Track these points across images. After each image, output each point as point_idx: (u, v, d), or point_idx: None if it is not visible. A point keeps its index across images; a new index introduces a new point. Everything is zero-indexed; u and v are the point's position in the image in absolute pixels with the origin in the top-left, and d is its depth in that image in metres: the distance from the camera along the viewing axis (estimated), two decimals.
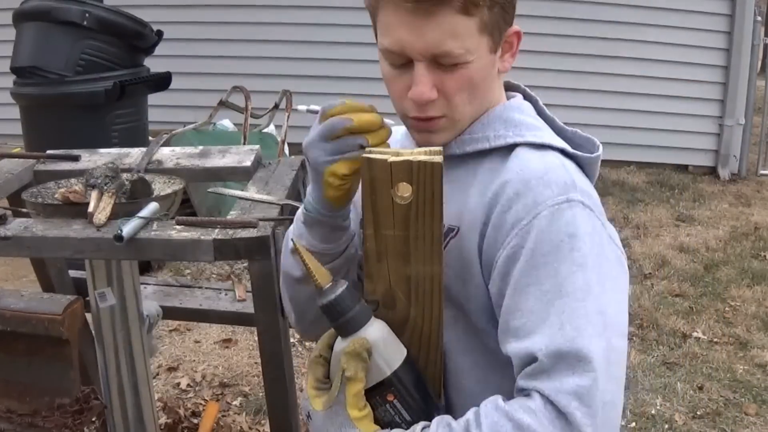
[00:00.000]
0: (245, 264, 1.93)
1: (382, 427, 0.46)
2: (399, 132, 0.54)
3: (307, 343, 1.74)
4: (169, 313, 1.20)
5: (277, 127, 2.14)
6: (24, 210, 0.87)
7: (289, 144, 2.06)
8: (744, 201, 2.87)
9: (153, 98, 2.05)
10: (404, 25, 0.46)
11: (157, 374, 1.60)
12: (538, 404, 0.42)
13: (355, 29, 2.82)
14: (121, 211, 0.80)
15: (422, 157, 0.48)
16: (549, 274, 0.45)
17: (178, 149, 1.06)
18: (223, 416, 1.43)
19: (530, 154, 0.49)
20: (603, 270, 0.46)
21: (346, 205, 0.50)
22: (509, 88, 0.55)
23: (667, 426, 1.46)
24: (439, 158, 0.48)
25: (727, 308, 1.97)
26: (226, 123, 2.30)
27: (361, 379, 0.45)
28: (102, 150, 1.07)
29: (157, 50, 2.01)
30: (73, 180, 0.90)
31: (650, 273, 2.16)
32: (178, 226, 0.78)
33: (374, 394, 0.47)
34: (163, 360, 1.66)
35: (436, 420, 0.45)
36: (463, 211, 0.49)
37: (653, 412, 1.50)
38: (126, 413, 0.97)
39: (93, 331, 0.95)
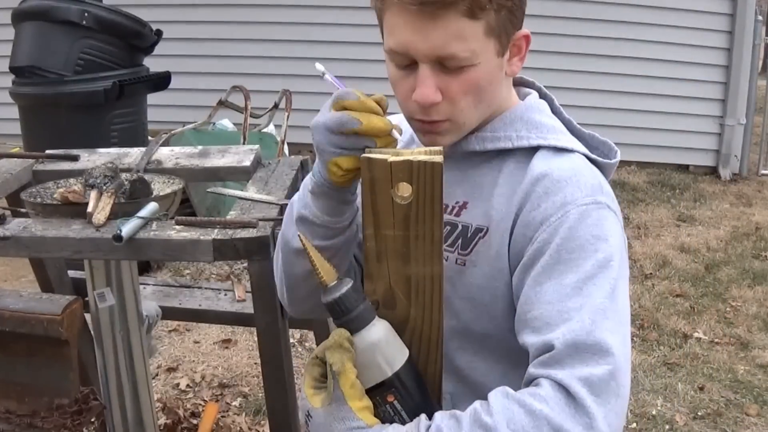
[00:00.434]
0: (245, 264, 1.94)
1: None
2: (407, 133, 0.54)
3: (306, 344, 1.74)
4: (168, 313, 1.20)
5: (277, 126, 2.14)
6: (23, 210, 0.87)
7: (288, 144, 2.06)
8: (745, 201, 2.87)
9: (152, 98, 2.04)
10: (409, 27, 0.46)
11: (157, 375, 1.60)
12: (548, 391, 0.42)
13: (355, 29, 2.82)
14: (121, 211, 0.80)
15: (422, 157, 0.47)
16: (571, 270, 0.45)
17: (177, 149, 1.06)
18: (222, 417, 1.43)
19: (557, 156, 0.49)
20: (621, 273, 0.47)
21: (352, 185, 0.50)
22: (524, 84, 0.55)
23: (668, 427, 1.46)
24: (439, 158, 0.47)
25: (728, 308, 1.97)
26: (225, 123, 2.30)
27: (350, 369, 0.45)
28: (101, 150, 1.07)
29: (157, 50, 2.01)
30: (72, 180, 0.90)
31: (651, 273, 2.16)
32: (177, 226, 0.77)
33: (374, 394, 0.47)
34: (163, 360, 1.66)
35: (439, 413, 0.45)
36: (490, 211, 0.50)
37: (654, 412, 1.50)
38: (125, 414, 0.97)
39: (92, 332, 0.95)
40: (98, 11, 1.84)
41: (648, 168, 3.13)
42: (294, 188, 0.93)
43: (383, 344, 0.47)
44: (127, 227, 0.75)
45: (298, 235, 0.48)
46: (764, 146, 3.24)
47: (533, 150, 0.50)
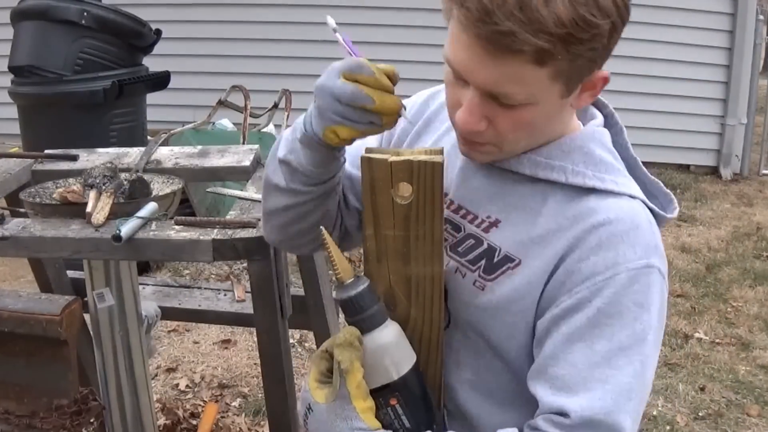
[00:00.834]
0: (244, 264, 1.93)
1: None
2: (448, 143, 0.50)
3: (306, 344, 1.73)
4: (167, 313, 1.20)
5: (277, 126, 2.14)
6: (22, 210, 0.87)
7: None
8: (746, 201, 2.86)
9: (152, 97, 2.04)
10: (469, 51, 0.41)
11: (156, 375, 1.59)
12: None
13: (355, 28, 2.81)
14: (120, 211, 0.79)
15: (423, 157, 0.47)
16: (605, 337, 0.43)
17: (176, 149, 1.06)
18: (222, 417, 1.43)
19: (617, 200, 0.45)
20: (656, 344, 0.45)
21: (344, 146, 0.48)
22: (593, 103, 0.50)
23: (669, 427, 1.45)
24: (439, 158, 0.47)
25: (729, 309, 1.96)
26: (225, 122, 2.30)
27: (358, 368, 0.44)
28: (100, 149, 1.07)
29: (156, 49, 2.01)
30: (71, 180, 0.90)
31: None
32: (176, 226, 0.77)
33: (378, 395, 0.46)
34: (162, 361, 1.65)
35: None
36: (527, 244, 0.46)
37: (655, 413, 1.49)
38: (124, 414, 0.96)
39: (91, 332, 0.95)
40: (97, 10, 1.84)
41: (648, 168, 2.92)
42: None
43: (393, 347, 0.46)
44: (127, 227, 0.75)
45: (321, 229, 0.46)
46: (765, 146, 3.23)
47: (583, 189, 0.45)
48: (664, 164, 3.13)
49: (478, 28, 0.40)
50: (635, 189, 0.47)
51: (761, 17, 3.07)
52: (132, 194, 0.83)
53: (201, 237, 0.75)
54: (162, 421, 1.36)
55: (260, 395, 1.49)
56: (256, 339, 0.96)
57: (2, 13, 2.17)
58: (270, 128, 2.17)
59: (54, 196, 0.85)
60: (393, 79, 0.46)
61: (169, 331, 1.78)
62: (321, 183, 0.50)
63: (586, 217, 0.45)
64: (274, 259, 0.77)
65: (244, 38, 3.08)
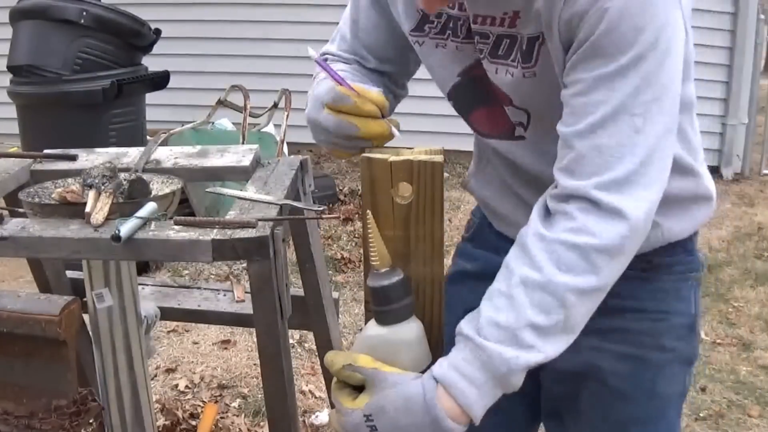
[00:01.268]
0: (244, 264, 1.93)
1: None
2: None
3: (306, 344, 1.73)
4: (167, 314, 1.20)
5: (276, 126, 2.13)
6: (21, 210, 0.86)
7: (288, 143, 2.05)
8: (747, 201, 2.85)
9: (151, 97, 2.04)
10: None
11: (155, 376, 1.59)
12: (579, 217, 0.41)
13: None
14: (119, 211, 0.79)
15: (423, 157, 0.47)
16: (602, 64, 0.42)
17: (176, 149, 1.05)
18: (221, 418, 1.43)
19: None
20: (663, 57, 0.43)
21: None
22: None
23: None
24: (439, 158, 0.47)
25: (730, 309, 1.96)
26: (224, 122, 2.29)
27: (356, 379, 0.45)
28: (99, 149, 1.06)
29: (155, 49, 2.01)
30: (70, 180, 0.89)
31: None
32: (176, 227, 0.77)
33: None
34: (161, 361, 1.65)
35: (483, 304, 0.43)
36: (536, 17, 0.46)
37: None
38: (124, 415, 0.96)
39: (90, 333, 0.95)
40: (97, 10, 1.84)
41: None
42: (293, 188, 0.93)
43: (414, 344, 0.46)
44: (126, 227, 0.74)
45: (367, 212, 0.46)
46: (766, 146, 3.23)
47: None
48: None
49: None
50: None
51: (762, 17, 3.06)
52: (131, 194, 0.83)
53: (200, 237, 0.75)
54: (161, 421, 1.35)
55: (260, 396, 1.49)
56: (255, 339, 0.96)
57: (1, 13, 2.16)
58: (270, 128, 2.17)
59: (53, 196, 0.85)
60: (378, 103, 0.47)
61: (168, 332, 1.78)
62: None
63: None
64: (274, 259, 0.77)
65: (243, 38, 3.08)
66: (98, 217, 0.77)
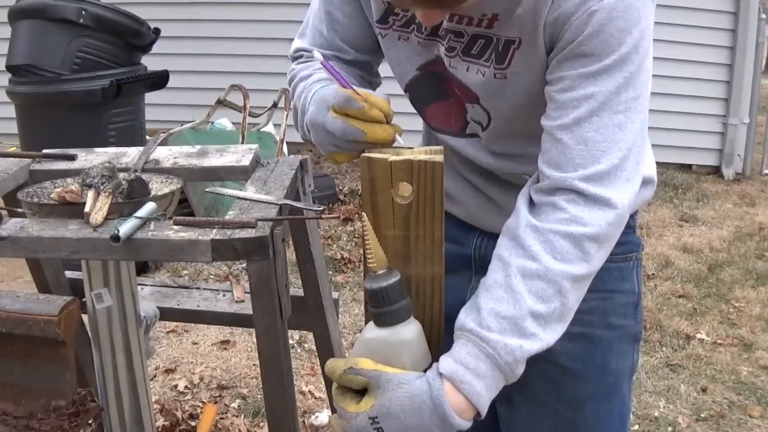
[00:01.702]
0: (243, 264, 1.93)
1: None
2: None
3: (306, 345, 1.73)
4: (166, 314, 1.19)
5: (276, 126, 2.13)
6: (19, 210, 0.86)
7: (287, 143, 2.05)
8: (748, 201, 2.85)
9: (150, 97, 2.03)
10: None
11: (155, 376, 1.59)
12: (569, 208, 0.43)
13: None
14: (118, 211, 0.79)
15: (423, 157, 0.47)
16: (589, 63, 0.45)
17: (175, 148, 1.05)
18: (221, 418, 1.42)
19: None
20: (643, 59, 0.45)
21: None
22: None
23: (670, 428, 1.45)
24: (440, 157, 0.47)
25: (731, 309, 1.95)
26: (224, 122, 2.29)
27: (359, 383, 0.44)
28: (99, 149, 1.06)
29: (155, 48, 2.00)
30: (69, 179, 0.89)
31: (653, 274, 2.15)
32: (175, 227, 0.77)
33: None
34: (161, 362, 1.65)
35: (482, 296, 0.44)
36: (518, 21, 0.48)
37: (656, 414, 1.49)
38: (123, 415, 0.96)
39: (89, 333, 0.94)
40: (96, 9, 1.83)
41: None
42: (293, 188, 0.92)
43: (413, 344, 0.46)
44: (125, 227, 0.74)
45: (363, 215, 0.46)
46: None
47: None
48: (665, 164, 3.11)
49: None
50: None
51: (764, 16, 3.05)
52: (130, 194, 0.83)
53: (200, 237, 0.74)
54: (161, 422, 1.35)
55: (259, 396, 1.49)
56: (255, 340, 0.95)
57: (0, 12, 2.16)
58: (269, 128, 2.16)
59: (52, 195, 0.84)
60: (384, 109, 0.48)
61: (167, 332, 1.78)
62: None
63: None
64: (274, 259, 0.76)
65: (243, 37, 3.08)
66: (97, 217, 0.77)
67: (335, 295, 1.18)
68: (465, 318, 0.45)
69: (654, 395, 1.55)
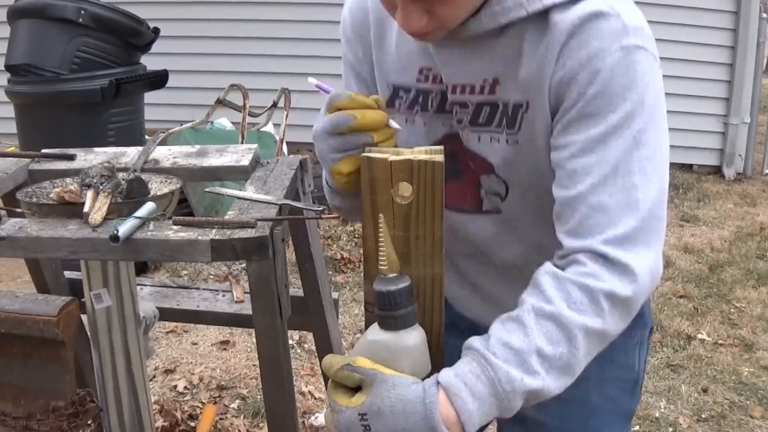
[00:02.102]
0: (243, 265, 1.93)
1: None
2: None
3: (305, 345, 1.72)
4: (165, 314, 1.19)
5: (276, 125, 2.13)
6: (18, 210, 0.86)
7: (287, 143, 2.05)
8: (749, 201, 2.84)
9: (149, 96, 2.03)
10: None
11: (154, 377, 1.59)
12: (591, 266, 0.44)
13: None
14: (117, 211, 0.78)
15: (423, 156, 0.47)
16: (594, 124, 0.45)
17: (175, 148, 1.05)
18: (220, 419, 1.42)
19: (576, 7, 0.46)
20: (652, 116, 0.45)
21: (355, 189, 0.49)
22: None
23: (671, 429, 1.45)
24: (440, 157, 0.47)
25: (732, 310, 1.95)
26: (223, 122, 2.29)
27: (357, 376, 0.44)
28: (98, 149, 1.06)
29: (154, 48, 1.99)
30: (68, 179, 0.89)
31: None
32: (175, 227, 0.76)
33: None
34: (160, 362, 1.64)
35: (495, 324, 0.44)
36: (525, 84, 0.48)
37: (657, 414, 1.49)
38: (122, 416, 0.96)
39: (89, 333, 0.94)
40: (95, 9, 1.83)
41: None
42: (293, 188, 0.92)
43: (416, 351, 0.46)
44: (124, 227, 0.74)
45: (380, 216, 0.46)
46: None
47: (545, 14, 0.47)
48: None
49: None
50: None
51: (765, 15, 3.05)
52: (130, 194, 0.83)
53: (199, 237, 0.74)
54: (160, 422, 1.35)
55: (259, 397, 1.48)
56: (254, 340, 0.95)
57: None
58: (269, 127, 2.16)
59: (51, 195, 0.84)
60: (377, 103, 0.48)
61: (167, 332, 1.77)
62: None
63: (557, 34, 0.46)
64: (273, 259, 0.76)
65: (242, 37, 3.07)
66: (96, 217, 0.76)
67: (335, 295, 1.18)
68: (474, 340, 0.45)
69: (655, 396, 1.55)
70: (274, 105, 2.01)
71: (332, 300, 1.09)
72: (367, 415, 0.43)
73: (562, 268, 0.46)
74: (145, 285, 1.30)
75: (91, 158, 0.99)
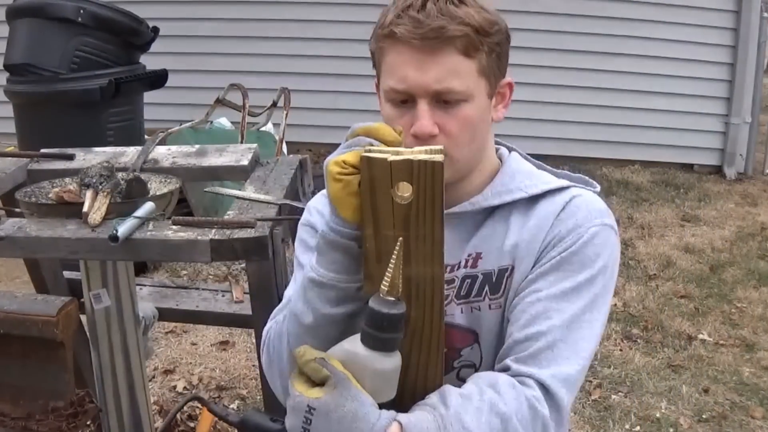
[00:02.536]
0: (243, 265, 1.91)
1: None
2: None
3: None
4: (165, 314, 1.19)
5: (275, 125, 2.12)
6: (17, 210, 0.86)
7: (287, 142, 2.04)
8: (750, 201, 2.84)
9: (149, 96, 2.03)
10: (410, 64, 0.50)
11: (153, 377, 1.58)
12: (538, 393, 0.49)
13: (354, 26, 2.79)
14: (117, 211, 0.78)
15: (423, 156, 0.46)
16: (567, 277, 0.52)
17: (174, 148, 1.04)
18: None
19: (563, 193, 0.55)
20: (606, 287, 0.54)
21: (353, 215, 0.48)
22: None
23: (672, 430, 1.44)
24: (440, 157, 0.46)
25: (733, 310, 1.94)
26: (223, 121, 2.28)
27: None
28: (97, 149, 1.06)
29: (153, 47, 1.99)
30: (67, 179, 0.89)
31: (655, 274, 2.14)
32: (174, 227, 0.76)
33: None
34: (159, 363, 1.64)
35: (453, 396, 0.47)
36: (510, 251, 0.54)
37: (658, 415, 1.48)
38: (121, 416, 0.95)
39: (88, 333, 0.94)
40: (94, 8, 1.82)
41: (652, 167, 3.09)
42: (292, 187, 0.91)
43: (385, 378, 0.46)
44: (124, 227, 0.74)
45: (400, 240, 0.47)
46: None
47: (536, 196, 0.55)
48: (667, 163, 3.11)
49: (415, 33, 0.50)
50: (567, 181, 0.58)
51: (766, 15, 3.04)
52: (129, 194, 0.82)
53: (199, 237, 0.74)
54: (159, 423, 1.34)
55: (258, 397, 1.48)
56: (254, 340, 0.95)
57: None
58: (268, 127, 2.16)
59: (50, 195, 0.84)
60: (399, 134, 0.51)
61: (166, 333, 1.77)
62: (350, 298, 0.50)
63: (552, 207, 0.55)
64: (273, 259, 0.76)
65: (242, 36, 3.07)
66: (95, 217, 0.76)
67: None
68: (438, 401, 0.48)
69: (655, 396, 1.55)
70: (274, 104, 2.00)
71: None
72: (314, 411, 0.44)
73: (515, 375, 0.50)
74: (145, 285, 1.30)
75: (90, 158, 0.99)
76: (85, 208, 0.78)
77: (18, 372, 0.86)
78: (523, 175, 0.56)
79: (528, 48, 2.78)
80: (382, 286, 0.46)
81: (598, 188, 0.58)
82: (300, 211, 0.85)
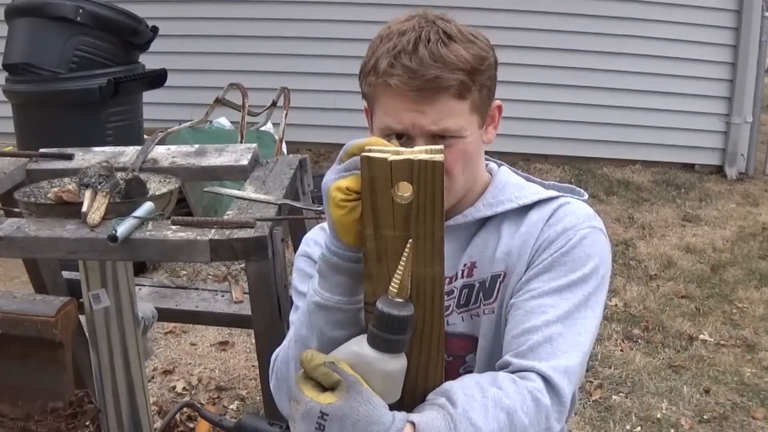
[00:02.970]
0: (242, 265, 1.92)
1: None
2: None
3: None
4: (164, 315, 1.19)
5: (275, 125, 2.12)
6: (16, 210, 0.86)
7: (287, 142, 2.04)
8: (751, 200, 2.83)
9: (148, 96, 2.02)
10: (407, 108, 0.53)
11: (152, 377, 1.58)
12: (540, 384, 0.50)
13: (354, 25, 2.79)
14: (116, 211, 0.78)
15: (423, 156, 0.46)
16: (558, 276, 0.54)
17: (173, 148, 1.04)
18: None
19: (552, 202, 0.58)
20: (600, 286, 0.56)
21: (355, 240, 0.49)
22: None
23: (673, 430, 1.44)
24: (440, 157, 0.46)
25: (734, 310, 1.94)
26: (222, 121, 2.28)
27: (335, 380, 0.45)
28: (96, 148, 1.06)
29: (153, 47, 1.99)
30: (66, 179, 0.89)
31: (656, 274, 2.14)
32: (173, 227, 0.76)
33: None
34: (159, 363, 1.64)
35: (460, 394, 0.47)
36: (503, 258, 0.56)
37: (659, 415, 1.48)
38: (121, 417, 0.95)
39: (87, 334, 0.94)
40: (93, 7, 1.82)
41: (653, 167, 3.09)
42: (292, 187, 0.91)
43: (391, 379, 0.46)
44: (123, 227, 0.73)
45: (410, 242, 0.47)
46: None
47: (526, 207, 0.58)
48: (668, 163, 3.11)
49: (411, 85, 0.52)
50: (556, 192, 0.60)
51: (767, 14, 3.03)
52: (128, 194, 0.82)
53: (198, 237, 0.74)
54: (158, 423, 1.34)
55: (258, 398, 1.48)
56: (254, 341, 0.95)
57: None
58: (268, 127, 2.15)
59: (49, 195, 0.84)
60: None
61: (165, 333, 1.77)
62: (354, 320, 0.51)
63: (542, 214, 0.57)
64: (273, 259, 0.75)
65: (242, 36, 3.06)
66: (95, 216, 0.76)
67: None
68: (444, 400, 0.48)
69: (656, 396, 1.54)
70: (274, 104, 2.00)
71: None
72: (328, 416, 0.43)
73: (515, 371, 0.52)
74: (144, 285, 1.29)
75: (89, 158, 0.99)
76: (84, 208, 0.78)
77: (17, 372, 0.85)
78: (513, 187, 0.59)
79: (528, 48, 2.79)
80: (391, 288, 0.46)
81: (586, 196, 0.60)
82: (300, 211, 0.84)
